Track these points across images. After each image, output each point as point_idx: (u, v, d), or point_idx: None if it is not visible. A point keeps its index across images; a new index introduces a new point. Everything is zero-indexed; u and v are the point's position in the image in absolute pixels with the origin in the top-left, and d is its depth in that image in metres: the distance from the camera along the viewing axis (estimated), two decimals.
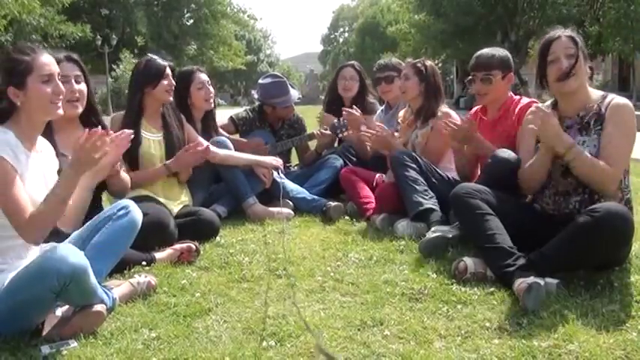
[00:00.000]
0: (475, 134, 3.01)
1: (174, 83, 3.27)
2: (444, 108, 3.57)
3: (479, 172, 3.08)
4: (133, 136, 2.68)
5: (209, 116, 3.92)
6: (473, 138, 3.01)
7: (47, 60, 2.06)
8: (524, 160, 2.65)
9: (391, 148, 3.51)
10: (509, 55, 3.21)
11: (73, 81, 2.60)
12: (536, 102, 3.13)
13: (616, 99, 2.47)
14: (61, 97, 2.08)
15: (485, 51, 3.20)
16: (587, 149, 2.42)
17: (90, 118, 2.71)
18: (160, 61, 3.26)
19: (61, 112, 2.10)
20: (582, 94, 2.51)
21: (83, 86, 2.65)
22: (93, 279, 1.96)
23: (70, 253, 1.88)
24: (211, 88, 3.86)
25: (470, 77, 3.16)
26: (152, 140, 3.25)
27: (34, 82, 2.02)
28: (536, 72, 2.55)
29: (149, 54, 3.39)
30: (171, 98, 3.30)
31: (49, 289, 1.84)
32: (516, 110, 3.09)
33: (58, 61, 2.52)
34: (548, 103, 2.68)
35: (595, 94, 2.53)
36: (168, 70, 3.24)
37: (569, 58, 2.43)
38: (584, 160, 2.37)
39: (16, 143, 1.97)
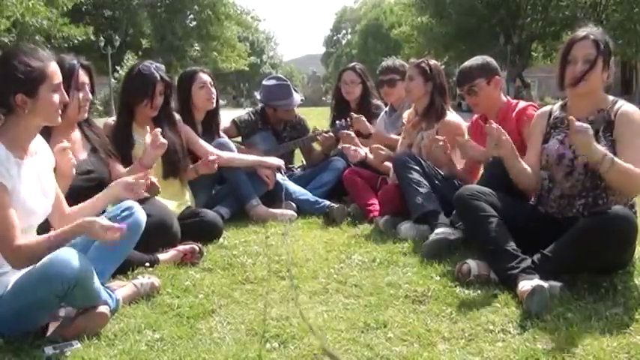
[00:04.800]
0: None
1: (161, 102, 3.16)
2: (449, 115, 3.48)
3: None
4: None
5: (211, 118, 3.85)
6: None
7: (56, 68, 2.00)
8: (529, 161, 2.64)
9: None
10: (489, 60, 3.21)
11: (87, 88, 2.69)
12: (534, 105, 3.13)
13: (625, 106, 2.43)
14: (62, 105, 2.03)
15: (464, 65, 3.23)
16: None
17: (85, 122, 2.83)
18: (151, 76, 3.11)
19: (59, 120, 2.05)
20: (593, 97, 2.46)
21: (89, 95, 2.72)
22: (97, 282, 1.96)
23: (73, 257, 1.87)
24: (214, 90, 3.78)
25: (460, 92, 3.17)
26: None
27: (46, 91, 1.95)
28: (557, 70, 2.49)
29: (140, 65, 3.19)
30: (156, 113, 3.19)
31: (54, 293, 1.85)
32: (514, 114, 3.06)
33: (74, 68, 2.60)
34: (558, 104, 2.67)
35: (606, 99, 2.49)
36: (159, 87, 3.12)
37: (587, 63, 2.38)
38: (619, 166, 2.24)
39: (7, 156, 1.89)
